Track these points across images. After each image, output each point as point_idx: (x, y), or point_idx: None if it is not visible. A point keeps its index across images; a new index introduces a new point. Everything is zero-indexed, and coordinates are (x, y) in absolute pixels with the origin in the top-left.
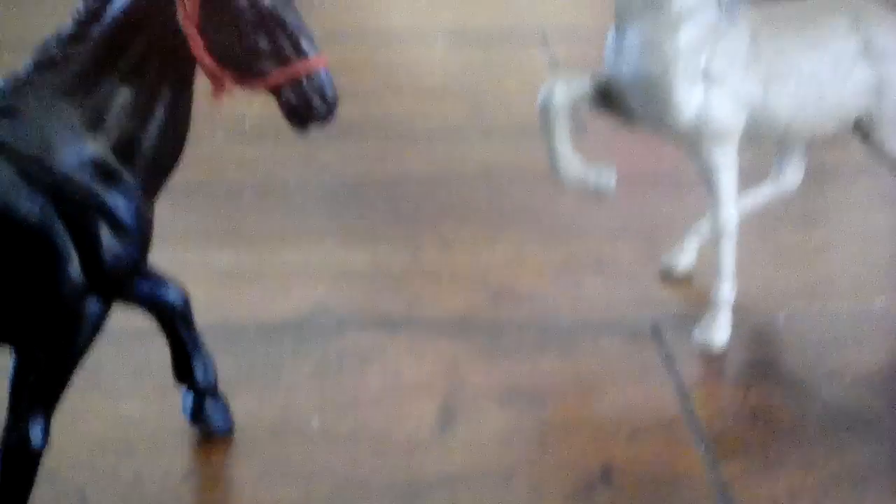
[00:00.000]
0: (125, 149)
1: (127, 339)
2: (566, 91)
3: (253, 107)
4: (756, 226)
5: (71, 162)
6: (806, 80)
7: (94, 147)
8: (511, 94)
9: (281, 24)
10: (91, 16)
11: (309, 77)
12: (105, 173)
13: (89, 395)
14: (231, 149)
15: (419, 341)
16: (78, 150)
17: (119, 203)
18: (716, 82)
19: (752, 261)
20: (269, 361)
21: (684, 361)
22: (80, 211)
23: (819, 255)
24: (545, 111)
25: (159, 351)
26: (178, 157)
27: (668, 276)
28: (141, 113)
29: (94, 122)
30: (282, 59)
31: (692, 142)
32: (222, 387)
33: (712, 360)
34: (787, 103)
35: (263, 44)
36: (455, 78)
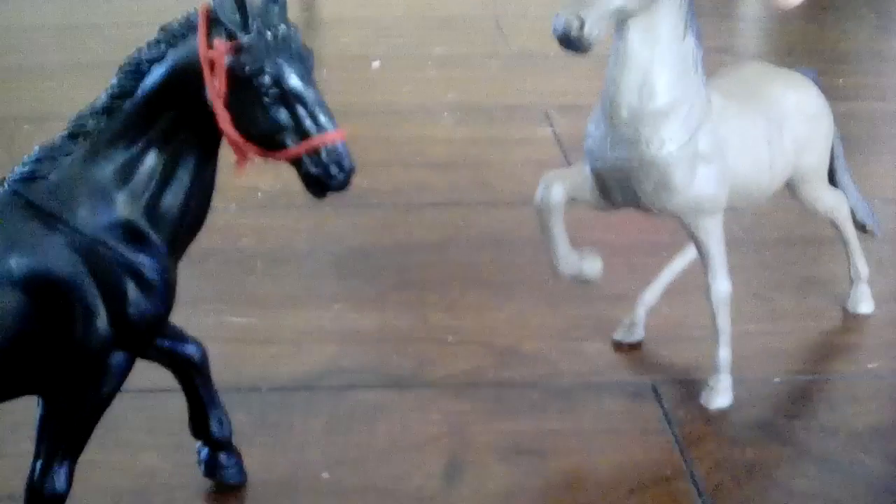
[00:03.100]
0: (152, 212)
1: (144, 396)
2: (562, 188)
3: (265, 179)
4: (753, 293)
5: (101, 223)
6: (760, 151)
7: (124, 210)
8: (515, 166)
9: (302, 101)
10: (124, 91)
11: (327, 149)
12: (133, 234)
13: (107, 448)
14: (244, 219)
15: (426, 400)
16: (108, 212)
17: (146, 262)
18: (706, 161)
19: (748, 326)
20: (281, 418)
21: (683, 420)
22: (109, 269)
23: (814, 321)
24: (544, 210)
25: (175, 407)
26: (201, 221)
27: (619, 349)
28: (168, 180)
29: (124, 187)
30: (302, 133)
31: (688, 217)
32: (236, 442)
33: (711, 419)
34: (749, 173)
35: (285, 119)
36: (461, 152)
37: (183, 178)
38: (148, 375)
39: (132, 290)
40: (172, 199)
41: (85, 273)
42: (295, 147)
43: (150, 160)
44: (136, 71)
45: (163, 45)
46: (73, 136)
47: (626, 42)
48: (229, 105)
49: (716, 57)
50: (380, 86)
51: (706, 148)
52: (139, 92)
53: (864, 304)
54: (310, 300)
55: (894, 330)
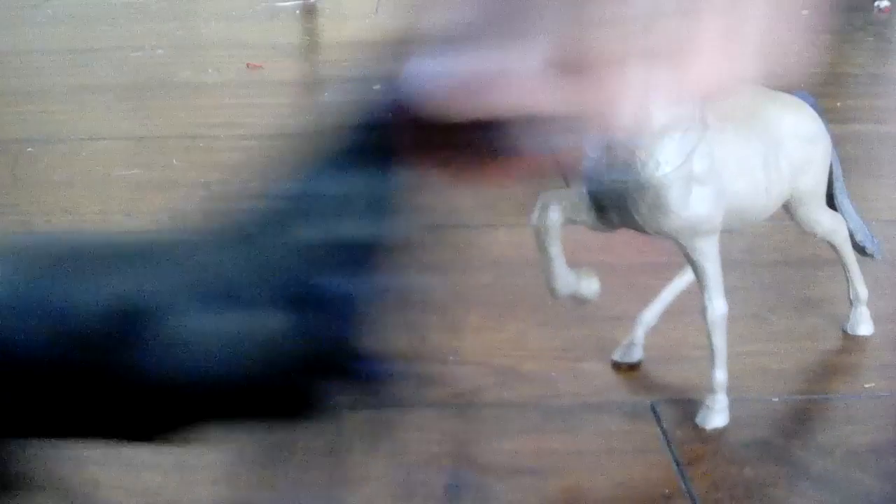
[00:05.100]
0: None
1: None
2: (559, 209)
3: None
4: (751, 313)
5: None
6: (756, 173)
7: None
8: (515, 188)
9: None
10: None
11: None
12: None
13: (110, 467)
14: None
15: (426, 420)
16: None
17: None
18: (701, 183)
19: (747, 346)
20: (281, 439)
21: (682, 440)
22: None
23: (812, 341)
24: (540, 231)
25: None
26: None
27: (618, 369)
28: None
29: None
30: None
31: (683, 239)
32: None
33: (709, 439)
34: (745, 195)
35: None
36: None
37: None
38: None
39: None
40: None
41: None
42: None
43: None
44: None
45: None
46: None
47: None
48: None
49: None
50: None
51: (701, 170)
52: None
53: (864, 325)
54: None
55: (892, 350)
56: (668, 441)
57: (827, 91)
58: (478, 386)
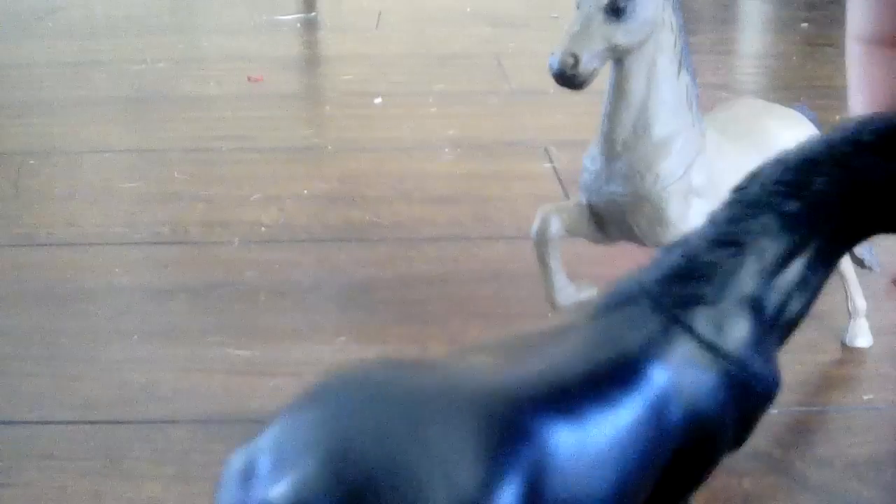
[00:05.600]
0: (777, 322)
1: (148, 427)
2: (559, 221)
3: (269, 214)
4: None
5: (748, 347)
6: None
7: (763, 327)
8: (515, 201)
9: None
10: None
11: None
12: (765, 350)
13: (111, 479)
14: (248, 253)
15: None
16: (754, 332)
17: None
18: (700, 196)
19: None
20: None
21: None
22: (749, 399)
23: (811, 353)
24: (540, 243)
25: (179, 437)
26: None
27: None
28: (800, 285)
29: (770, 301)
30: None
31: None
32: None
33: None
34: None
35: None
36: (461, 187)
37: (812, 281)
38: (152, 406)
39: (760, 412)
40: (797, 306)
41: (733, 410)
42: None
43: (798, 266)
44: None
45: None
46: (726, 244)
47: (621, 78)
48: None
49: (714, 93)
50: (381, 122)
51: (700, 182)
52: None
53: (862, 337)
54: (312, 333)
55: (890, 362)
56: None
57: (825, 104)
58: None
